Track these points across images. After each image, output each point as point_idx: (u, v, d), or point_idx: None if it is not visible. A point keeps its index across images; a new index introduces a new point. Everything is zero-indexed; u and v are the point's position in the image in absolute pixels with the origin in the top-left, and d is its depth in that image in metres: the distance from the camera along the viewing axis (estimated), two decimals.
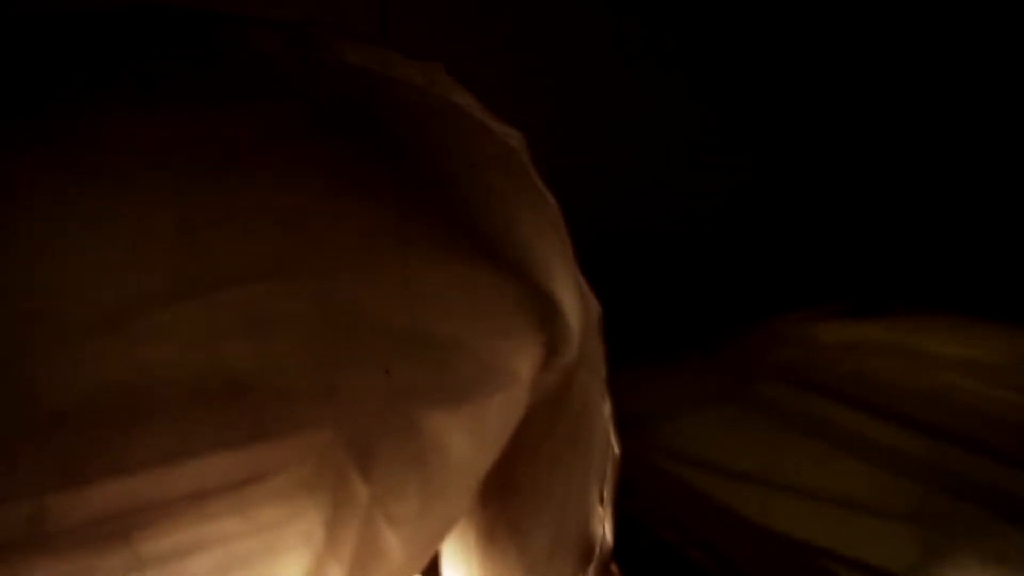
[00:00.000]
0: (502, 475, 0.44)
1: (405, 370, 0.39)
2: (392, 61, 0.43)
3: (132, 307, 0.35)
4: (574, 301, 0.45)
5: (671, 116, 0.94)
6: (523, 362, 0.42)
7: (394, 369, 0.38)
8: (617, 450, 0.46)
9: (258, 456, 0.37)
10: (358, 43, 0.42)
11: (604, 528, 0.48)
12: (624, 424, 0.71)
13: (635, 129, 0.91)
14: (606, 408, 0.46)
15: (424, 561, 0.43)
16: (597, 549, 0.48)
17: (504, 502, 0.45)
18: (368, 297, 0.39)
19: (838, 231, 1.06)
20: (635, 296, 0.90)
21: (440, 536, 0.44)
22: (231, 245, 0.37)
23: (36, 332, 0.34)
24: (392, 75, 0.43)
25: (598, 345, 0.47)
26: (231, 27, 0.40)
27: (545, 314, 0.43)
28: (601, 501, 0.48)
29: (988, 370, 0.94)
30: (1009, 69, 1.09)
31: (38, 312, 0.34)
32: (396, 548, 0.40)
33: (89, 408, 0.34)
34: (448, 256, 0.41)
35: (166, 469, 0.35)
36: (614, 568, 0.50)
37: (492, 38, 0.82)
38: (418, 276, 0.40)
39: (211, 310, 0.36)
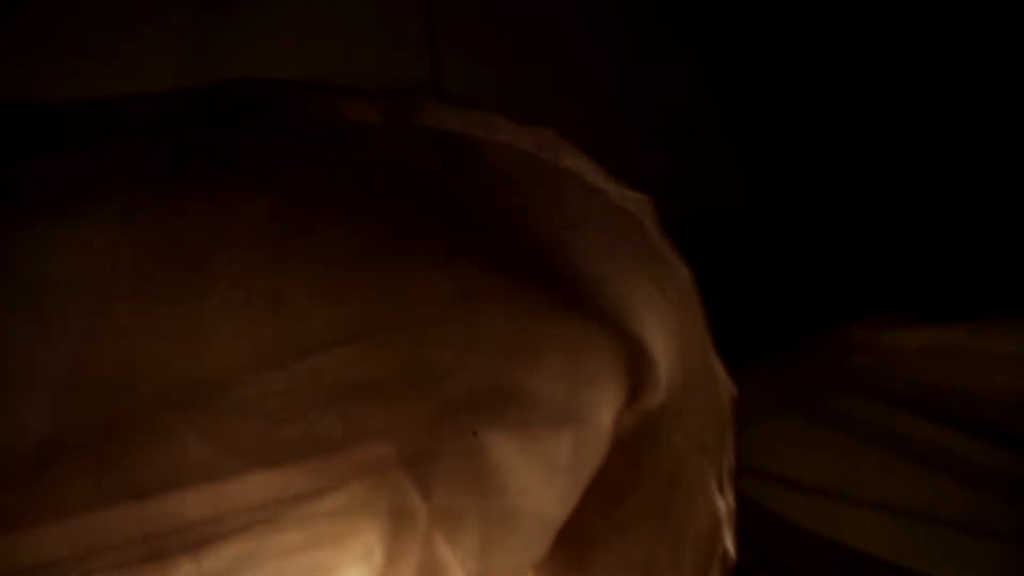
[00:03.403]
0: (576, 524, 0.42)
1: (471, 401, 0.39)
2: (496, 126, 0.42)
3: (217, 382, 0.35)
4: (671, 352, 0.42)
5: (724, 123, 0.92)
6: (605, 410, 0.40)
7: (479, 430, 0.37)
8: (732, 553, 0.43)
9: (318, 471, 0.36)
10: (459, 109, 0.41)
11: None
12: None
13: (692, 137, 0.90)
14: (721, 503, 0.43)
15: None
16: None
17: (575, 553, 0.43)
18: (449, 357, 0.38)
19: (906, 232, 1.02)
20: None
21: None
22: (316, 312, 0.37)
23: (119, 408, 0.34)
24: (496, 140, 0.42)
25: (722, 430, 0.45)
26: (322, 98, 0.39)
27: (632, 361, 0.41)
28: None
29: None
30: None
31: (122, 388, 0.34)
32: None
33: (170, 483, 0.34)
34: (531, 309, 0.40)
35: (231, 482, 0.35)
36: None
37: (537, 67, 0.82)
38: (500, 332, 0.39)
39: (296, 381, 0.36)
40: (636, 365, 0.41)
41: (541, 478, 0.40)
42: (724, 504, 0.44)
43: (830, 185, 1.00)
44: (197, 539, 0.35)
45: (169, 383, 0.34)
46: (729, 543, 0.43)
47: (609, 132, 0.87)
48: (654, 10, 0.89)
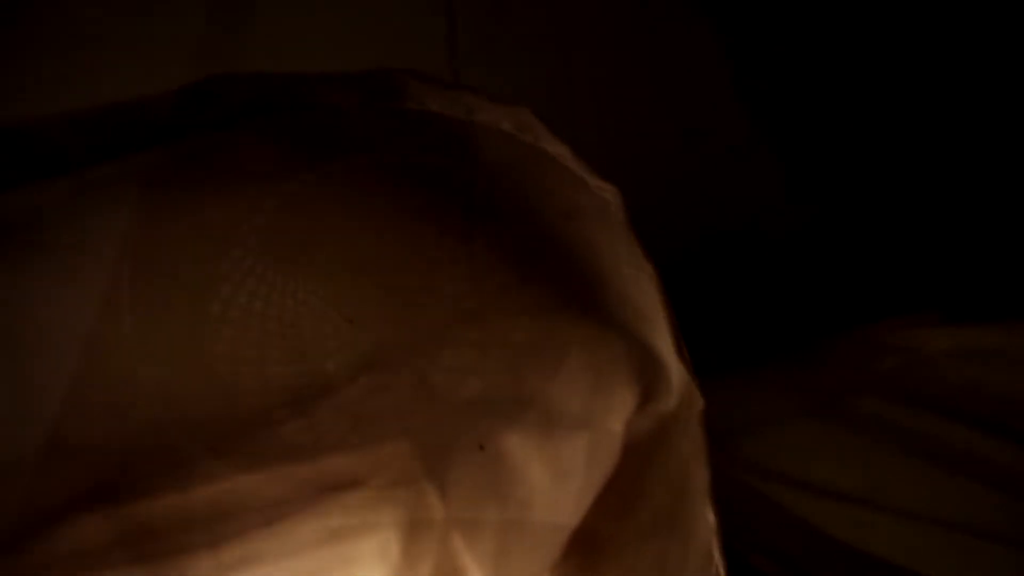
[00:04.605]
0: (589, 529, 0.41)
1: (489, 405, 0.38)
2: (476, 106, 0.41)
3: (234, 432, 0.36)
4: (676, 355, 0.42)
5: (746, 122, 0.91)
6: (617, 413, 0.40)
7: (486, 443, 0.37)
8: (722, 570, 0.42)
9: (334, 467, 0.37)
10: (438, 88, 0.41)
11: None
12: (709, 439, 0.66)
13: (714, 136, 0.89)
14: (711, 516, 0.42)
15: None
16: None
17: (588, 558, 0.42)
18: (464, 371, 0.38)
19: (934, 230, 1.00)
20: (718, 305, 0.87)
21: None
22: (329, 342, 0.37)
23: (135, 468, 0.35)
24: (477, 121, 0.41)
25: (701, 439, 0.44)
26: (301, 86, 0.39)
27: (643, 365, 0.41)
28: None
29: None
30: None
31: (136, 448, 0.35)
32: None
33: (186, 521, 0.35)
34: (541, 313, 0.39)
35: (248, 478, 0.36)
36: None
37: (558, 70, 0.81)
38: (512, 338, 0.38)
39: (315, 422, 0.36)
40: (648, 367, 0.41)
41: (555, 481, 0.40)
42: (713, 517, 0.43)
43: (854, 184, 0.98)
44: (215, 534, 0.35)
45: (169, 396, 0.35)
46: (719, 559, 0.42)
47: (630, 128, 0.86)
48: (678, 5, 0.88)
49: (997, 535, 0.66)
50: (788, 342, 0.89)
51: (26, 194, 0.37)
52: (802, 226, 0.94)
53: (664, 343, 0.42)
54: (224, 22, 0.60)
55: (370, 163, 0.40)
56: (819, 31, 0.96)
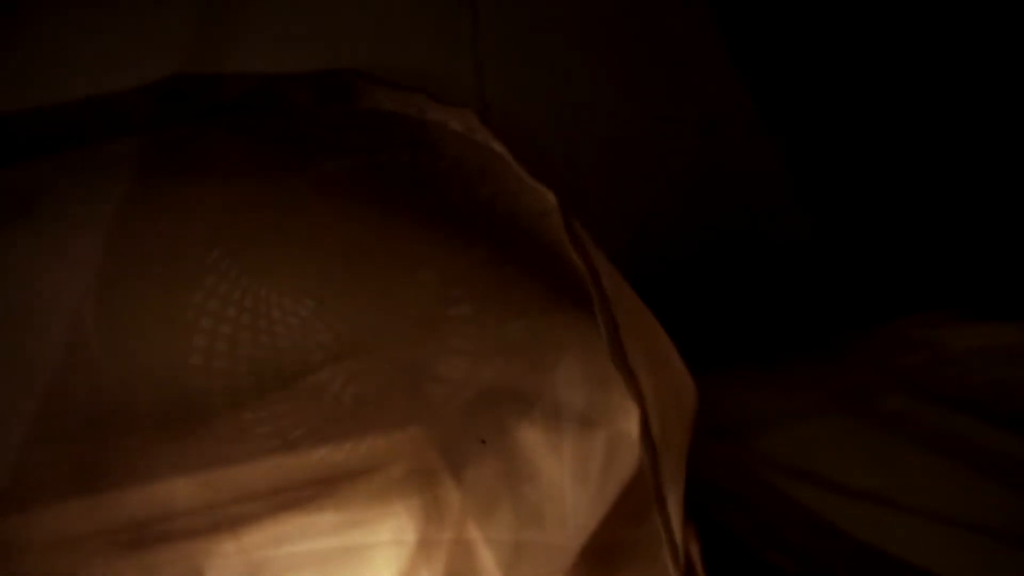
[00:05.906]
0: (607, 532, 0.41)
1: (490, 398, 0.38)
2: (427, 107, 0.41)
3: (208, 409, 0.36)
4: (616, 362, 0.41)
5: (763, 126, 0.91)
6: (628, 414, 0.39)
7: (488, 439, 0.37)
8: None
9: (351, 453, 0.37)
10: (391, 89, 0.41)
11: None
12: (726, 433, 0.66)
13: (731, 140, 0.88)
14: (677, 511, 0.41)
15: None
16: None
17: (604, 562, 0.42)
18: (449, 361, 0.38)
19: (957, 225, 0.99)
20: (740, 297, 0.86)
21: None
22: (305, 331, 0.38)
23: (110, 434, 0.35)
24: (429, 120, 0.41)
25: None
26: (262, 84, 0.39)
27: None
28: None
29: None
30: None
31: (111, 414, 0.35)
32: (492, 572, 0.39)
33: (168, 502, 0.35)
34: (531, 308, 0.39)
35: (268, 462, 0.36)
36: None
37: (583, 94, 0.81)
38: (501, 332, 0.38)
39: (293, 403, 0.37)
40: None
41: (571, 481, 0.40)
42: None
43: (880, 178, 0.97)
44: (236, 517, 0.36)
45: (162, 411, 0.35)
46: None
47: (649, 136, 0.86)
48: (691, 7, 0.88)
49: (1016, 537, 0.65)
50: (810, 338, 0.88)
51: (19, 170, 0.37)
52: (825, 221, 0.94)
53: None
54: (228, 20, 0.60)
55: (347, 166, 0.40)
56: (826, 30, 0.95)
